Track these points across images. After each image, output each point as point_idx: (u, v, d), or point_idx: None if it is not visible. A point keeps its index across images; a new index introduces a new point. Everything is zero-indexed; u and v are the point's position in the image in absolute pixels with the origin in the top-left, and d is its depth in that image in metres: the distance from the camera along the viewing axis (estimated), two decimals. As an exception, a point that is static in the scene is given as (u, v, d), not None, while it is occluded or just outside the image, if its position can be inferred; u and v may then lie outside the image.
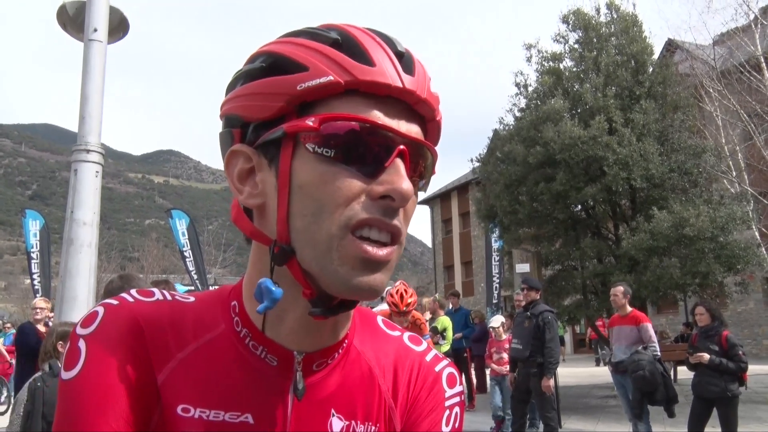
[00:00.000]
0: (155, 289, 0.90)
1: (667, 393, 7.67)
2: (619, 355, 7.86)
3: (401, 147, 0.77)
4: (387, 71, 0.77)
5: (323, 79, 0.76)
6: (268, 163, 0.81)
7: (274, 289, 0.77)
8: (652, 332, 7.89)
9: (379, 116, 0.77)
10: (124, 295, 0.87)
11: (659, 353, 7.86)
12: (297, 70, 0.77)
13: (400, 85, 0.77)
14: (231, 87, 0.85)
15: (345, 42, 0.78)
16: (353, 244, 0.75)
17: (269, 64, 0.80)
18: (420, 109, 0.82)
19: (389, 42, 0.81)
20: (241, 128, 0.83)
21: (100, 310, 0.84)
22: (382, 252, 0.76)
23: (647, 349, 7.72)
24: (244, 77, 0.83)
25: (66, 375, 0.80)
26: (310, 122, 0.76)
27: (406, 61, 0.80)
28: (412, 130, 0.80)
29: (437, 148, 0.86)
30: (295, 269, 0.78)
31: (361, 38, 0.79)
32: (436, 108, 0.83)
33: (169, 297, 0.89)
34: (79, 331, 0.82)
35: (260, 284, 0.77)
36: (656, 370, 7.60)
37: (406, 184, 0.75)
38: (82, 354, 0.80)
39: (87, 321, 0.83)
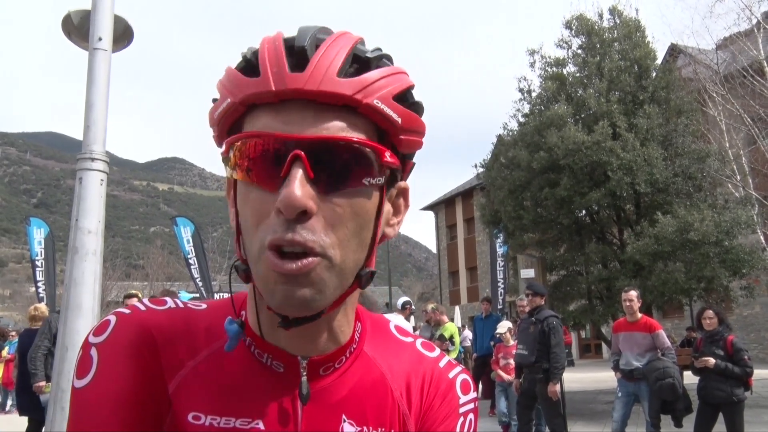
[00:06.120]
0: (167, 298, 0.91)
1: (683, 402, 7.59)
2: (633, 363, 7.63)
3: (295, 152, 0.73)
4: (269, 77, 0.75)
5: (224, 104, 0.79)
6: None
7: (228, 327, 0.82)
8: (667, 339, 7.75)
9: (272, 125, 0.75)
10: (136, 304, 0.88)
11: (676, 360, 7.77)
12: (216, 99, 0.81)
13: (282, 87, 0.74)
14: None
15: (251, 58, 0.79)
16: (268, 259, 0.74)
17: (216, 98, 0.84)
18: (331, 101, 0.76)
19: (291, 40, 0.78)
20: None
21: (113, 319, 0.85)
22: (293, 265, 0.73)
23: (665, 356, 7.53)
24: None
25: (78, 383, 0.81)
26: (222, 148, 0.79)
27: (299, 55, 0.76)
28: (324, 128, 0.75)
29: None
30: (254, 285, 0.81)
31: (263, 48, 0.78)
32: (352, 95, 0.75)
33: (181, 305, 0.90)
34: (92, 339, 0.84)
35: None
36: (681, 378, 7.53)
37: (293, 193, 0.71)
38: (94, 362, 0.81)
39: (99, 330, 0.84)
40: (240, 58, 0.82)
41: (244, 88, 0.76)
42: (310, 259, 0.74)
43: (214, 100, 0.82)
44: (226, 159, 0.79)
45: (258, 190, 0.76)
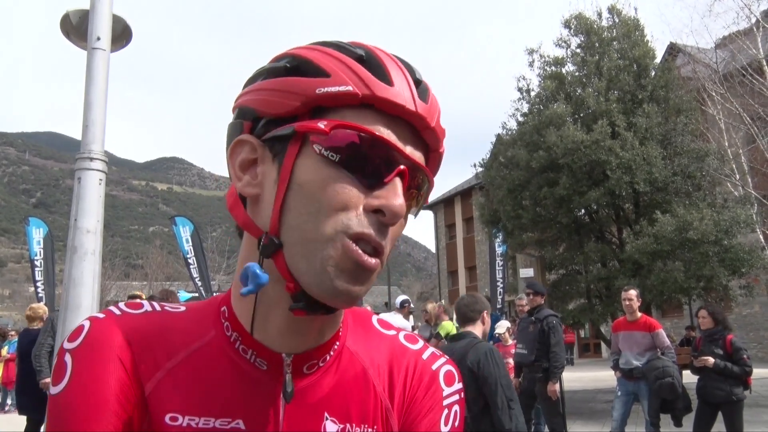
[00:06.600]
0: (144, 301, 0.91)
1: (683, 401, 7.59)
2: (632, 362, 7.63)
3: (402, 167, 0.79)
4: (403, 93, 0.80)
5: (342, 88, 0.78)
6: (272, 157, 0.82)
7: (260, 273, 0.77)
8: (666, 338, 7.74)
9: (387, 134, 0.79)
10: (111, 308, 0.88)
11: (676, 359, 7.76)
12: (319, 75, 0.79)
13: (413, 108, 0.80)
14: (251, 81, 0.87)
15: (369, 59, 0.81)
16: (350, 247, 0.75)
17: (293, 66, 0.82)
18: (426, 137, 0.84)
19: (409, 68, 0.83)
20: (252, 121, 0.84)
21: (86, 324, 0.84)
22: (372, 260, 0.77)
23: (665, 355, 7.52)
24: (266, 74, 0.84)
25: (54, 390, 0.81)
26: (321, 125, 0.77)
27: (421, 88, 0.83)
28: (415, 154, 0.82)
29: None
30: (280, 263, 0.78)
31: (384, 59, 0.82)
32: (441, 139, 0.85)
33: (158, 308, 0.90)
34: (66, 345, 0.83)
35: (247, 268, 0.77)
36: (680, 377, 7.53)
37: (400, 203, 0.77)
38: (69, 368, 0.81)
39: (73, 335, 0.83)
40: (339, 46, 0.83)
41: (374, 87, 0.78)
42: (379, 260, 0.79)
43: (289, 69, 0.82)
44: (317, 135, 0.78)
45: (350, 178, 0.78)
